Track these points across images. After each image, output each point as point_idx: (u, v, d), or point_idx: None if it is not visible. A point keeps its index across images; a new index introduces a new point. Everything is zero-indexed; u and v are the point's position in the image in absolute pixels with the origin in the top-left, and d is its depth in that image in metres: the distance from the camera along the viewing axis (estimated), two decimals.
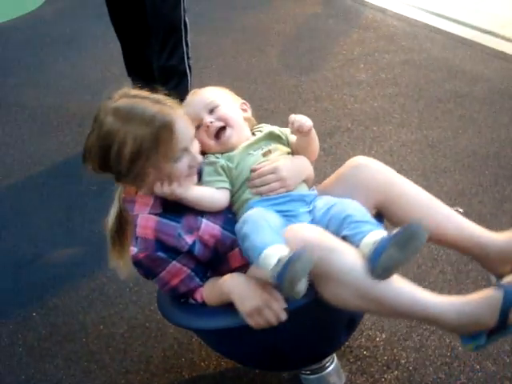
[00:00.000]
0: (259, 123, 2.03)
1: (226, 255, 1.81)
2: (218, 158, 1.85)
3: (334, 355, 2.02)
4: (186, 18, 3.28)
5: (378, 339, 2.20)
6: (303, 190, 1.86)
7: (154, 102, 1.70)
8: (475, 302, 1.63)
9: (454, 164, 3.17)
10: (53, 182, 3.31)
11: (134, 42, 3.54)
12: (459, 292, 2.38)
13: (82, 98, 4.13)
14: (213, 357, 2.20)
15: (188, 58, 3.37)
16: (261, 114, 3.72)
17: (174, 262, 1.74)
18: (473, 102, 3.74)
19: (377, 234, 1.65)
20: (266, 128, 1.96)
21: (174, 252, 1.73)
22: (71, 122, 3.83)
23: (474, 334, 1.65)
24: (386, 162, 3.13)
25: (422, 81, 4.05)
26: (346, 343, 2.15)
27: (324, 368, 1.98)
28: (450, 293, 2.36)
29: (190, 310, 1.84)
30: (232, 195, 1.84)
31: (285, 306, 1.63)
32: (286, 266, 1.50)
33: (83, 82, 4.38)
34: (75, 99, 4.13)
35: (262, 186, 1.81)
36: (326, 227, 1.72)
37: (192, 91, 1.98)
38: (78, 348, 2.31)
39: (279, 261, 1.52)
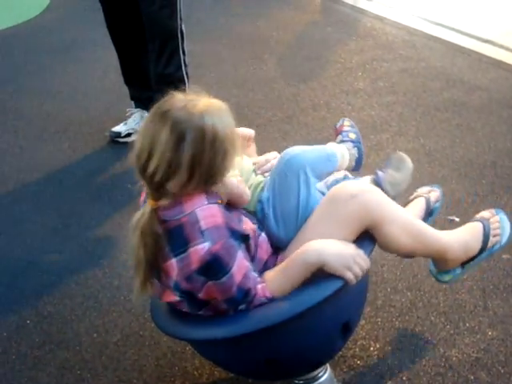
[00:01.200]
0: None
1: (256, 250, 1.83)
2: None
3: (328, 365, 2.01)
4: (183, 26, 3.28)
5: (371, 349, 2.20)
6: None
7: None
8: (465, 232, 2.05)
9: (450, 173, 3.17)
10: (49, 190, 3.30)
11: (131, 50, 3.54)
12: (454, 301, 2.38)
13: (80, 105, 4.13)
14: (206, 366, 2.19)
15: (185, 65, 3.37)
16: (258, 123, 3.73)
17: (239, 252, 1.69)
18: (470, 111, 3.74)
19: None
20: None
21: (238, 239, 1.71)
22: (69, 129, 3.83)
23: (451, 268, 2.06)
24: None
25: (420, 89, 4.05)
26: (340, 353, 2.14)
27: (317, 377, 1.97)
28: (444, 302, 2.37)
29: (184, 320, 1.84)
30: None
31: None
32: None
33: (81, 89, 4.38)
34: (73, 106, 4.13)
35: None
36: None
37: None
38: (72, 356, 2.30)
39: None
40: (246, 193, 1.86)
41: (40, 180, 3.39)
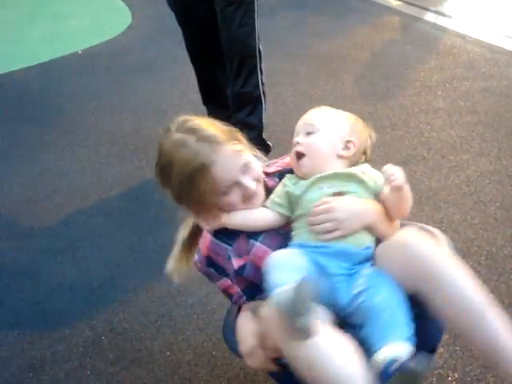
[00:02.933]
0: None
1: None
2: (290, 182, 1.80)
3: None
4: (260, 45, 3.29)
5: (450, 378, 2.12)
6: (357, 240, 1.69)
7: (200, 140, 1.72)
8: None
9: None
10: (127, 206, 3.36)
11: (209, 69, 3.58)
12: None
13: (159, 123, 4.18)
14: None
15: (262, 84, 3.38)
16: None
17: (225, 278, 1.82)
18: None
19: (394, 348, 1.47)
20: (359, 169, 1.79)
21: (222, 271, 1.82)
22: (147, 147, 3.89)
23: None
24: (463, 193, 3.11)
25: (503, 109, 3.93)
26: None
27: None
28: None
29: None
30: (291, 222, 1.78)
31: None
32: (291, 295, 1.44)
33: (161, 107, 4.45)
34: (152, 124, 4.19)
35: (316, 225, 1.69)
36: (351, 309, 1.61)
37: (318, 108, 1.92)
38: (145, 374, 2.32)
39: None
40: (249, 225, 1.78)
41: (118, 197, 3.45)
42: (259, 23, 3.31)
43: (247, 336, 1.69)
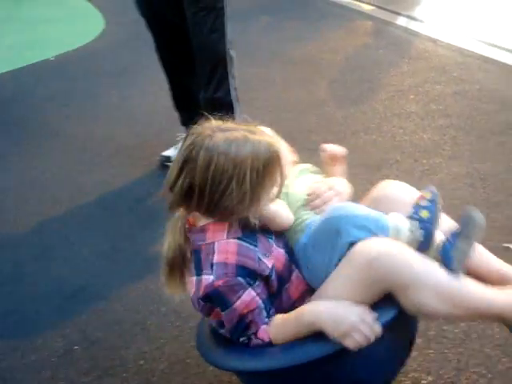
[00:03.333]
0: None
1: (284, 286, 1.79)
2: None
3: None
4: (231, 51, 3.28)
5: (423, 381, 2.12)
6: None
7: (252, 133, 1.67)
8: None
9: (506, 198, 3.08)
10: (100, 214, 3.33)
11: (180, 76, 3.57)
12: (510, 333, 2.28)
13: (132, 130, 4.18)
14: None
15: (235, 90, 3.37)
16: (309, 146, 3.68)
17: (249, 289, 1.68)
18: None
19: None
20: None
21: (252, 278, 1.69)
22: (120, 154, 3.87)
23: None
24: None
25: (474, 112, 3.96)
26: None
27: None
28: (500, 334, 2.28)
29: (228, 350, 1.81)
30: None
31: (376, 315, 1.62)
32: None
33: (133, 113, 4.43)
34: (125, 131, 4.18)
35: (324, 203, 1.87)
36: None
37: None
38: (118, 383, 2.29)
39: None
40: (280, 216, 1.82)
41: (91, 204, 3.42)
42: (232, 28, 3.31)
43: (344, 313, 1.62)
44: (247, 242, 1.72)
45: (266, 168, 1.64)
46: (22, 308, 2.75)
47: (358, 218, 1.74)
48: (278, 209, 1.81)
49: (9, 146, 4.16)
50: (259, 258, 1.71)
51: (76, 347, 2.48)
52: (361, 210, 1.79)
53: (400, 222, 1.75)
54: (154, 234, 3.07)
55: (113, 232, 3.17)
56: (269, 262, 1.72)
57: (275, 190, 1.72)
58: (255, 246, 1.73)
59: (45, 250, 3.10)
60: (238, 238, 1.71)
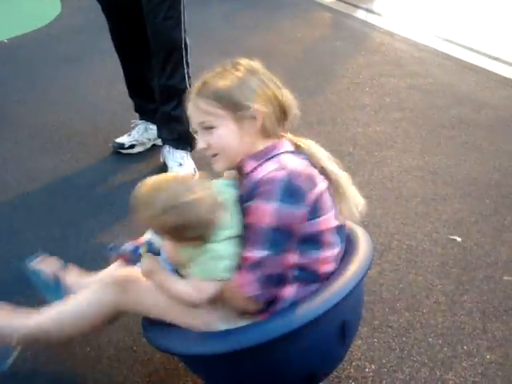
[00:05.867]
0: None
1: None
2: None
3: None
4: (187, 38, 3.26)
5: (367, 370, 2.15)
6: None
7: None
8: None
9: (454, 191, 3.13)
10: (49, 200, 3.29)
11: (135, 62, 3.54)
12: (453, 323, 2.33)
13: (85, 116, 4.13)
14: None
15: (189, 77, 3.36)
16: None
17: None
18: (477, 129, 3.71)
19: None
20: None
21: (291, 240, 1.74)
22: (72, 140, 3.82)
23: None
24: (386, 188, 3.17)
25: (427, 106, 4.02)
26: (334, 373, 2.10)
27: None
28: (443, 324, 2.32)
29: (175, 335, 1.82)
30: None
31: None
32: None
33: (87, 99, 4.38)
34: (78, 116, 4.12)
35: None
36: None
37: None
38: (63, 370, 2.27)
39: None
40: None
41: (41, 190, 3.37)
42: (189, 16, 3.29)
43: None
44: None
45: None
46: None
47: None
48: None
49: None
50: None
51: None
52: None
53: None
54: (104, 220, 3.09)
55: (62, 219, 3.13)
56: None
57: None
58: None
59: None
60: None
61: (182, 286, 1.78)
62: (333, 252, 1.81)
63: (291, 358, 1.78)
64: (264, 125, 1.82)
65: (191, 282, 1.77)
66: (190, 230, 1.69)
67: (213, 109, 1.81)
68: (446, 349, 2.22)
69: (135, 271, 1.92)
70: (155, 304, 1.87)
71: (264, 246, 1.68)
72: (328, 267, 1.80)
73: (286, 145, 1.85)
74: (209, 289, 1.74)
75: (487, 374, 2.12)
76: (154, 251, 1.90)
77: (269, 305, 1.75)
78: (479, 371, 2.13)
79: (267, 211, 1.67)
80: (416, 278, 2.55)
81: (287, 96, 1.90)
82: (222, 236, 1.72)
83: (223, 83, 1.83)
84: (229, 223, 1.74)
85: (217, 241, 1.72)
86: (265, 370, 1.80)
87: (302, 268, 1.76)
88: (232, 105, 1.80)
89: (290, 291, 1.75)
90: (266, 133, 1.84)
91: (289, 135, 1.90)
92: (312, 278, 1.78)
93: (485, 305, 2.42)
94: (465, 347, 2.23)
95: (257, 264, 1.68)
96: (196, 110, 1.85)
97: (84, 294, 2.03)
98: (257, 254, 1.68)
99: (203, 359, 1.83)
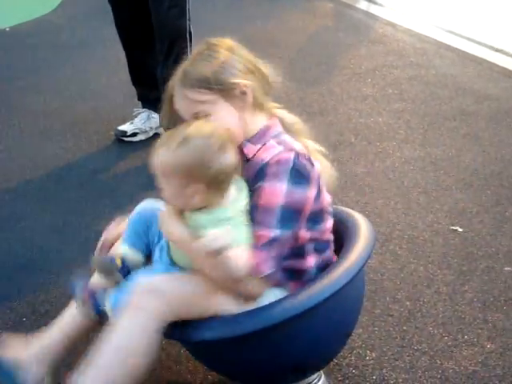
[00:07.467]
0: None
1: None
2: None
3: (322, 372, 1.99)
4: (191, 28, 3.27)
5: (367, 358, 2.17)
6: None
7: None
8: None
9: (456, 182, 3.14)
10: (52, 187, 3.30)
11: (139, 50, 3.54)
12: (454, 313, 2.35)
13: (88, 104, 4.13)
14: (200, 369, 2.17)
15: None
16: None
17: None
18: (478, 121, 3.71)
19: None
20: None
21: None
22: (75, 127, 3.83)
23: None
24: (388, 179, 3.18)
25: (429, 97, 4.03)
26: (335, 361, 2.12)
27: None
28: (444, 313, 2.34)
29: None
30: None
31: None
32: None
33: (90, 87, 4.38)
34: (80, 104, 4.13)
35: None
36: None
37: None
38: (68, 355, 2.28)
39: None
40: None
41: (43, 177, 3.38)
42: (192, 4, 3.29)
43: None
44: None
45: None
46: None
47: None
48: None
49: None
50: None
51: (24, 319, 2.46)
52: None
53: None
54: (105, 208, 3.09)
55: (64, 206, 3.14)
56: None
57: None
58: None
59: None
60: None
61: (241, 252, 1.67)
62: (331, 222, 1.91)
63: (282, 347, 1.80)
64: (255, 98, 1.85)
65: (239, 250, 1.66)
66: (203, 169, 1.67)
67: (203, 96, 1.78)
68: (446, 338, 2.24)
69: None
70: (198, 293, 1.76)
71: (276, 225, 1.71)
72: (331, 235, 1.92)
73: (278, 125, 1.90)
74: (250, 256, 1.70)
75: (487, 363, 2.13)
76: (129, 265, 1.90)
77: (294, 277, 1.82)
78: (479, 360, 2.14)
79: (278, 191, 1.71)
80: (417, 267, 2.57)
81: (265, 65, 1.94)
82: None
83: (205, 67, 1.81)
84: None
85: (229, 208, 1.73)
86: (253, 358, 1.82)
87: (315, 240, 1.84)
88: (220, 86, 1.79)
89: (311, 262, 1.84)
90: (259, 106, 1.87)
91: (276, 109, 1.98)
92: (326, 246, 1.90)
93: (485, 295, 2.43)
94: (465, 336, 2.24)
95: (270, 242, 1.71)
96: (185, 101, 1.81)
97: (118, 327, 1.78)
98: (270, 232, 1.71)
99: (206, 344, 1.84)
